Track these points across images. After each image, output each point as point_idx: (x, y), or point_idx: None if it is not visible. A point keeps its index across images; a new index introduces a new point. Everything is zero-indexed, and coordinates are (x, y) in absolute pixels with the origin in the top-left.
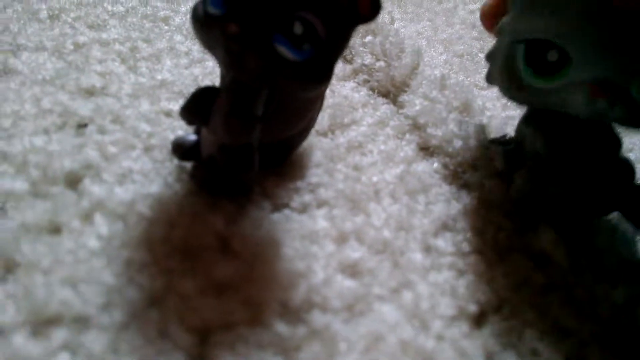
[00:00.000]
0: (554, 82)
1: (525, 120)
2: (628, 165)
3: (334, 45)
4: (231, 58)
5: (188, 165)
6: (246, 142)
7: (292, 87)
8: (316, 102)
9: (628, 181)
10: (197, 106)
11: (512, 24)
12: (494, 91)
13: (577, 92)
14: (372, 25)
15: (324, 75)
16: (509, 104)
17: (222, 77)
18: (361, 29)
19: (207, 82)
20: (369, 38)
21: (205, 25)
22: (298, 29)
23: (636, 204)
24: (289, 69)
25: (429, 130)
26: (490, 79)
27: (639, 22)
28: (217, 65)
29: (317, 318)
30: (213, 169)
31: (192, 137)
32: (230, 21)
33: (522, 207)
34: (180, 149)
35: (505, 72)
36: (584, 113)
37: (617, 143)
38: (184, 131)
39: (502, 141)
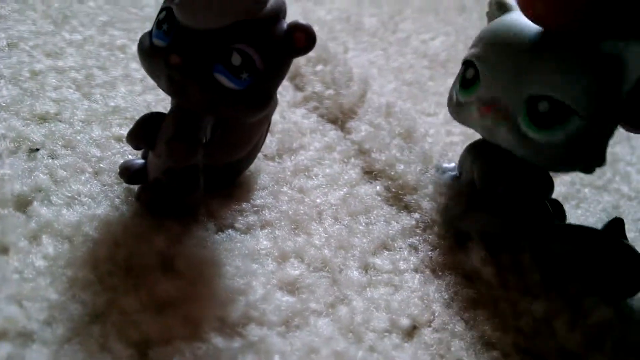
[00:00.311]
0: (468, 96)
1: (468, 150)
2: (554, 208)
3: (271, 75)
4: (174, 87)
5: (135, 188)
6: (190, 165)
7: (233, 114)
8: (262, 128)
9: (549, 222)
10: (143, 131)
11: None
12: (439, 118)
13: (475, 107)
14: (323, 55)
15: (263, 103)
16: (452, 130)
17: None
18: (312, 59)
19: (159, 109)
20: (319, 67)
21: (150, 55)
22: (236, 60)
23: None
24: (229, 97)
25: (373, 155)
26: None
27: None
28: None
29: (254, 332)
30: (159, 191)
31: (139, 161)
32: (173, 52)
33: (449, 228)
34: (127, 173)
35: (450, 92)
36: (478, 129)
37: (549, 186)
38: (134, 156)
39: (446, 168)
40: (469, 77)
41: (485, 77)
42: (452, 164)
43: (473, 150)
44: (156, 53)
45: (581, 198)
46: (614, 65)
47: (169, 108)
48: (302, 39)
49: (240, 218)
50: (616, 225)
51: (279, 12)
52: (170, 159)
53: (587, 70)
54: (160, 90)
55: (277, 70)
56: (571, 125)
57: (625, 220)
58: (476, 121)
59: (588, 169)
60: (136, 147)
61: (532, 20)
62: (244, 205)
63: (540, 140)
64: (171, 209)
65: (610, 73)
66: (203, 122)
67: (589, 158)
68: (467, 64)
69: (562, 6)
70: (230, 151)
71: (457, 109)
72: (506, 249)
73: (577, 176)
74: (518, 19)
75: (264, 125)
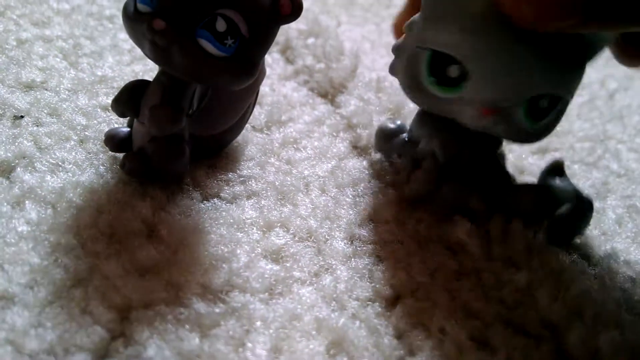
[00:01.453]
0: (452, 94)
1: (419, 122)
2: (503, 167)
3: (256, 42)
4: (157, 53)
5: (121, 156)
6: (175, 135)
7: (217, 81)
8: (249, 98)
9: (506, 181)
10: (128, 98)
11: (420, 26)
12: None
13: (469, 107)
14: (315, 28)
15: (248, 70)
16: None
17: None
18: (304, 32)
19: (146, 78)
20: (311, 40)
21: (134, 21)
22: (221, 25)
23: (515, 203)
24: (214, 64)
25: (359, 130)
26: (393, 71)
27: (531, 51)
28: None
29: (236, 298)
30: (143, 159)
31: (125, 129)
32: (157, 17)
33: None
34: (112, 141)
35: (408, 71)
36: (471, 126)
37: (497, 143)
38: (120, 125)
39: (392, 130)
40: (453, 75)
41: (478, 79)
42: (397, 123)
43: (426, 124)
44: (140, 18)
45: (570, 174)
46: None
47: None
48: (288, 6)
49: (226, 188)
50: (555, 167)
51: None
52: (153, 126)
53: (582, 63)
54: (149, 60)
55: (262, 37)
56: (559, 108)
57: (614, 197)
58: (467, 119)
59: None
60: (121, 115)
61: (518, 24)
62: (230, 175)
63: (533, 129)
64: (155, 178)
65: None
66: (188, 90)
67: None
68: (441, 56)
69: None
70: (216, 122)
71: (432, 101)
72: (490, 221)
73: (567, 152)
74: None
75: (252, 96)
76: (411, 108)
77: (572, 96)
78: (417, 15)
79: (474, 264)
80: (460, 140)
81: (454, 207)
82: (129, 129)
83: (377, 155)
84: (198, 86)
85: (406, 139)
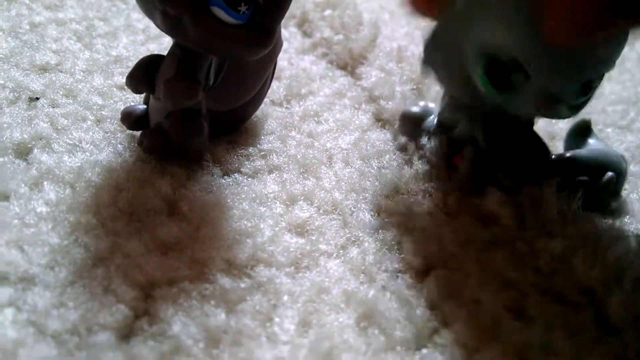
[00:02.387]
0: (509, 95)
1: (453, 106)
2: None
3: (272, 8)
4: (169, 23)
5: (138, 134)
6: (192, 109)
7: (232, 51)
8: (266, 71)
9: (545, 156)
10: (143, 73)
11: (470, 22)
12: None
13: (524, 102)
14: (332, 0)
15: (264, 39)
16: None
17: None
18: (321, 3)
19: None
20: (328, 12)
21: None
22: None
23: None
24: (228, 32)
25: (382, 102)
26: (430, 62)
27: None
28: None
29: (262, 273)
30: (161, 136)
31: (141, 107)
32: None
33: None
34: (129, 118)
35: (451, 64)
36: (525, 115)
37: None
38: (136, 103)
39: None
40: (515, 81)
41: (539, 79)
42: (422, 105)
43: (462, 109)
44: None
45: (604, 138)
46: None
47: None
48: None
49: (246, 163)
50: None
51: None
52: (169, 99)
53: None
54: (164, 39)
55: (277, 3)
56: (598, 84)
57: None
58: (521, 110)
59: None
60: (136, 91)
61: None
62: (251, 150)
63: (577, 104)
64: (174, 154)
65: None
66: (203, 62)
67: None
68: (500, 62)
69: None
70: (234, 96)
71: (483, 98)
72: (522, 190)
73: (599, 116)
74: None
75: (269, 68)
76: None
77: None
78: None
79: (506, 233)
80: (502, 123)
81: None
82: (145, 107)
83: (402, 139)
84: (214, 60)
85: (436, 123)
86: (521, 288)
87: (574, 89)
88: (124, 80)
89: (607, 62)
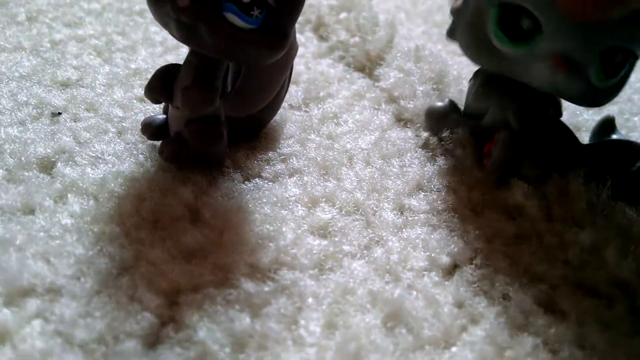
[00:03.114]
0: (523, 49)
1: (483, 94)
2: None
3: (285, 10)
4: (184, 32)
5: (159, 144)
6: (211, 116)
7: (248, 56)
8: (283, 76)
9: (573, 141)
10: (160, 83)
11: None
12: None
13: (541, 62)
14: (347, 3)
15: (279, 42)
16: None
17: None
18: (336, 7)
19: None
20: (343, 14)
21: (160, 4)
22: None
23: (583, 162)
24: (243, 37)
25: (402, 102)
26: (453, 34)
27: None
28: None
29: (286, 276)
30: (181, 144)
31: (161, 117)
32: None
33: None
34: (149, 129)
35: (472, 31)
36: (545, 85)
37: (559, 105)
38: (156, 113)
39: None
40: (525, 27)
41: (551, 29)
42: (446, 101)
43: (493, 93)
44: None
45: (631, 127)
46: None
47: None
48: None
49: (267, 167)
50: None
51: None
52: (187, 107)
53: None
54: (181, 50)
55: (290, 5)
56: (628, 67)
57: None
58: (539, 77)
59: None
60: (155, 101)
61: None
62: (270, 154)
63: (604, 87)
64: (194, 162)
65: None
66: (219, 69)
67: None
68: (510, 8)
69: None
70: (252, 101)
71: (498, 60)
72: (549, 182)
73: (625, 105)
74: None
75: (285, 72)
76: (454, 75)
77: None
78: None
79: (533, 226)
80: (535, 106)
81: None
82: (164, 116)
83: (424, 134)
84: (231, 67)
85: (463, 113)
86: (551, 282)
87: (591, 55)
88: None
89: (630, 30)
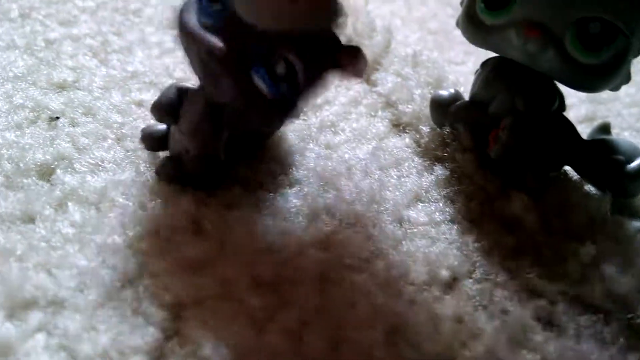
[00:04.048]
0: (500, 18)
1: (491, 80)
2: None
3: (308, 91)
4: (206, 73)
5: (160, 153)
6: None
7: (258, 119)
8: None
9: (575, 135)
10: (168, 105)
11: None
12: (468, 66)
13: (514, 30)
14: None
15: (292, 114)
16: None
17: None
18: None
19: (178, 72)
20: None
21: (191, 36)
22: (281, 68)
23: (583, 156)
24: (260, 102)
25: (400, 107)
26: (457, 22)
27: None
28: None
29: (289, 289)
30: (179, 166)
31: (161, 127)
32: (219, 38)
33: (502, 164)
34: (148, 140)
35: (466, 13)
36: (518, 54)
37: (563, 99)
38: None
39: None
40: None
41: None
42: (451, 91)
43: (502, 80)
44: (199, 37)
45: None
46: None
47: (188, 71)
48: (349, 67)
49: (267, 178)
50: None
51: (337, 26)
52: (192, 144)
53: None
54: (179, 52)
55: (316, 87)
56: (617, 45)
57: None
58: (514, 46)
59: (618, 87)
60: (160, 121)
61: None
62: (270, 164)
63: (587, 62)
64: (192, 183)
65: None
66: (227, 111)
67: (624, 76)
68: None
69: None
70: (256, 119)
71: (483, 34)
72: (549, 192)
73: (615, 119)
74: None
75: None
76: (452, 80)
77: (629, 28)
78: None
79: (532, 239)
80: (542, 92)
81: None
82: (165, 127)
83: (425, 129)
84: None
85: (468, 101)
86: (550, 297)
87: (564, 23)
88: (142, 96)
89: (607, 2)
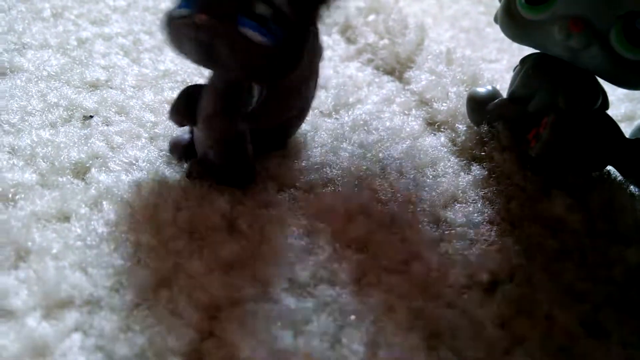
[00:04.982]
0: (541, 13)
1: (531, 76)
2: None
3: (302, 27)
4: (202, 51)
5: None
6: (236, 135)
7: (268, 72)
8: (309, 82)
9: (619, 134)
10: (184, 107)
11: None
12: (502, 64)
13: (557, 25)
14: (374, 4)
15: (296, 58)
16: None
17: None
18: (364, 9)
19: (209, 70)
20: (371, 17)
21: (176, 25)
22: (262, 9)
23: (627, 156)
24: (262, 52)
25: (435, 105)
26: (495, 17)
27: None
28: None
29: (325, 291)
30: (208, 165)
31: (187, 135)
32: (198, 13)
33: (543, 163)
34: (176, 150)
35: (505, 8)
36: (560, 50)
37: (606, 97)
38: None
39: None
40: None
41: None
42: (488, 88)
43: (544, 77)
44: (182, 19)
45: None
46: None
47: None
48: None
49: (300, 177)
50: None
51: None
52: (210, 135)
53: None
54: None
55: (309, 20)
56: None
57: None
58: (556, 42)
59: None
60: (179, 124)
61: None
62: (304, 163)
63: (633, 58)
64: (224, 181)
65: None
66: (241, 93)
67: None
68: None
69: None
70: (280, 111)
71: (523, 29)
72: (593, 194)
73: None
74: None
75: (310, 80)
76: (488, 78)
77: None
78: None
79: (576, 241)
80: (584, 89)
81: (572, 164)
82: (190, 135)
83: (462, 127)
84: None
85: (507, 97)
86: (595, 301)
87: (609, 18)
88: (174, 95)
89: None
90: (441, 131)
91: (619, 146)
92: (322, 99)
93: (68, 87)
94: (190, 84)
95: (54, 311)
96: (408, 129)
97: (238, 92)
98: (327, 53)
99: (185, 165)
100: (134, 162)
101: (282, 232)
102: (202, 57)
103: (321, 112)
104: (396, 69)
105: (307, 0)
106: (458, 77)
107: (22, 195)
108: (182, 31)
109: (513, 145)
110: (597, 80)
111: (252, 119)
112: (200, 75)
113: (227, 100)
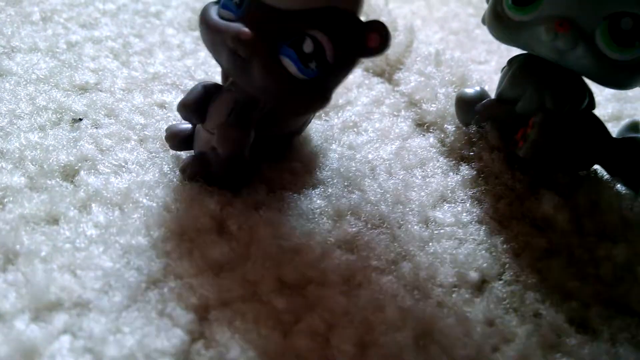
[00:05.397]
0: (528, 14)
1: (519, 77)
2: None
3: (338, 71)
4: (236, 64)
5: (183, 154)
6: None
7: (291, 104)
8: None
9: (605, 134)
10: (196, 104)
11: None
12: (491, 65)
13: (544, 26)
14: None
15: (323, 98)
16: None
17: (223, 75)
18: None
19: (200, 73)
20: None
21: (216, 27)
22: (308, 46)
23: (614, 155)
24: (292, 85)
25: (424, 106)
26: (483, 19)
27: None
28: (211, 56)
29: (315, 291)
30: (204, 165)
31: (185, 126)
32: (244, 26)
33: (531, 163)
34: (173, 140)
35: (493, 9)
36: (547, 51)
37: (593, 97)
38: (178, 121)
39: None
40: None
41: None
42: (477, 89)
43: (531, 79)
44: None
45: None
46: None
47: (209, 72)
48: (376, 40)
49: (290, 179)
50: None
51: (359, 6)
52: (220, 145)
53: None
54: (200, 54)
55: (344, 67)
56: None
57: None
58: (543, 43)
59: None
60: (186, 119)
61: None
62: (294, 165)
63: (618, 59)
64: (217, 183)
65: None
66: (256, 110)
67: None
68: None
69: None
70: (288, 123)
71: (510, 30)
72: (580, 192)
73: None
74: None
75: None
76: (477, 79)
77: None
78: None
79: (564, 240)
80: (571, 89)
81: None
82: (189, 127)
83: (450, 128)
84: None
85: (494, 99)
86: (583, 299)
87: (595, 19)
88: (164, 98)
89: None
90: (430, 132)
91: (605, 145)
92: None
93: (57, 90)
94: (204, 81)
95: (43, 313)
96: (397, 130)
97: (252, 108)
98: None
99: (172, 152)
100: (123, 164)
101: (272, 233)
102: (234, 68)
103: None
104: (386, 71)
105: (351, 50)
106: (447, 79)
107: (11, 199)
108: (219, 36)
109: (501, 145)
110: (583, 80)
111: (263, 127)
112: (190, 78)
113: (246, 114)
